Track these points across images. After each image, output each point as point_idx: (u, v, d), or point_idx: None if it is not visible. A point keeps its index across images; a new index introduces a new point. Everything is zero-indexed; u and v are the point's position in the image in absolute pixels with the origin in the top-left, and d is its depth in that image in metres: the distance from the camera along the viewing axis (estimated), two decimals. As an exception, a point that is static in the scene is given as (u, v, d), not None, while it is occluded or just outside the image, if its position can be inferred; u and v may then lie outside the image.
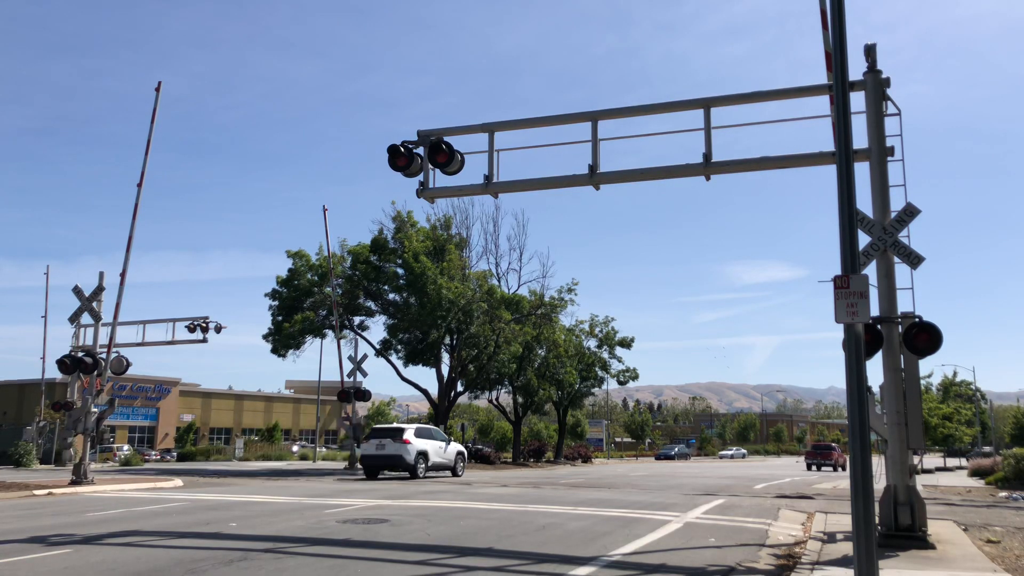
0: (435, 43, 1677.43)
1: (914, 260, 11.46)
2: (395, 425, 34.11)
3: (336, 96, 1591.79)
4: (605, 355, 55.02)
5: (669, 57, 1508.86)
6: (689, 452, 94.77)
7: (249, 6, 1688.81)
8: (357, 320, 44.67)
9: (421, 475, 30.05)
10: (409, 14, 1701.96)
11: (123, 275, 25.45)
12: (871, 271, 11.46)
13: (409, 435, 30.26)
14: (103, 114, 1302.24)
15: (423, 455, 30.54)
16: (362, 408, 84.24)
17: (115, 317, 25.68)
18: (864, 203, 11.32)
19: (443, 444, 32.65)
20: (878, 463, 11.35)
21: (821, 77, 12.40)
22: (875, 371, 11.62)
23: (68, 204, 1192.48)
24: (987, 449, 68.92)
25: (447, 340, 44.14)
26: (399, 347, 43.12)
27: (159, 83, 25.79)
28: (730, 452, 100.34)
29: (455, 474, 32.67)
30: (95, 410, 24.89)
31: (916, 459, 11.74)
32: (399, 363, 43.85)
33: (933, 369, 68.09)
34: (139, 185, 25.37)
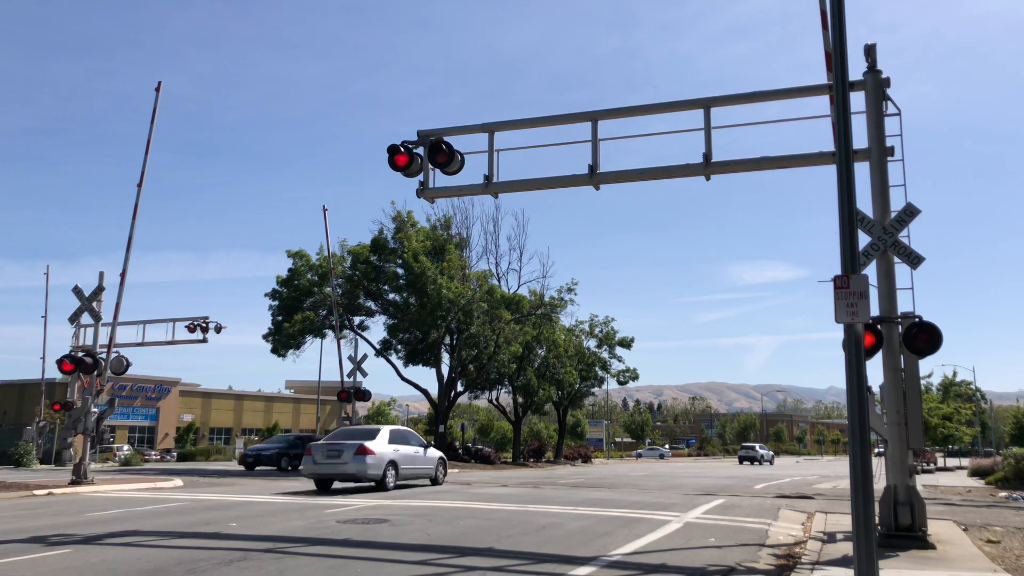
0: (438, 44, 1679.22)
1: (914, 260, 11.45)
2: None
3: (339, 96, 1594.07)
4: (605, 355, 55.07)
5: (672, 58, 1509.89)
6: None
7: (252, 6, 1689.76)
8: (357, 320, 44.72)
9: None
10: (412, 15, 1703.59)
11: (123, 275, 25.45)
12: (871, 271, 11.46)
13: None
14: (106, 114, 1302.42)
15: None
16: (362, 408, 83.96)
17: (115, 317, 25.68)
18: (864, 203, 11.32)
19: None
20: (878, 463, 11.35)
21: (823, 77, 12.39)
22: (875, 371, 11.65)
23: (70, 204, 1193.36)
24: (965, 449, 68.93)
25: (447, 340, 44.16)
26: (399, 347, 43.15)
27: (159, 83, 25.85)
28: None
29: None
30: (95, 410, 24.89)
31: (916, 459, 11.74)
32: (399, 363, 43.95)
33: (933, 369, 68.12)
34: (139, 185, 25.38)
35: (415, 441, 24.29)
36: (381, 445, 21.85)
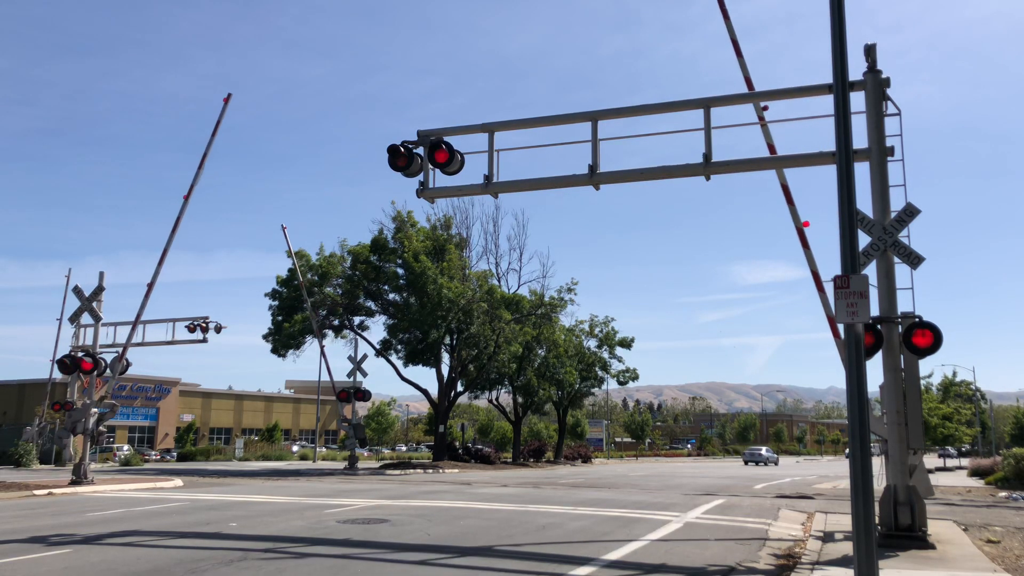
0: (442, 44, 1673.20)
1: (914, 260, 11.45)
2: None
3: (343, 97, 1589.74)
4: (605, 355, 55.02)
5: (676, 58, 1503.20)
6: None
7: (257, 7, 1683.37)
8: (357, 320, 44.67)
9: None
10: (416, 15, 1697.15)
11: (151, 286, 25.17)
12: (871, 271, 11.46)
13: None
14: (109, 115, 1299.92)
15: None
16: (362, 408, 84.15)
17: (133, 330, 26.03)
18: (864, 203, 11.32)
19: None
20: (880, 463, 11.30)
21: (828, 78, 12.38)
22: (875, 371, 11.64)
23: (73, 204, 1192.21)
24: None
25: (447, 340, 44.11)
26: (399, 347, 43.10)
27: (228, 95, 24.74)
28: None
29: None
30: (95, 411, 24.88)
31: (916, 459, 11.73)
32: (399, 363, 43.87)
33: (933, 369, 68.05)
34: (186, 197, 24.49)
35: (769, 451, 69.07)
36: (765, 452, 66.85)
